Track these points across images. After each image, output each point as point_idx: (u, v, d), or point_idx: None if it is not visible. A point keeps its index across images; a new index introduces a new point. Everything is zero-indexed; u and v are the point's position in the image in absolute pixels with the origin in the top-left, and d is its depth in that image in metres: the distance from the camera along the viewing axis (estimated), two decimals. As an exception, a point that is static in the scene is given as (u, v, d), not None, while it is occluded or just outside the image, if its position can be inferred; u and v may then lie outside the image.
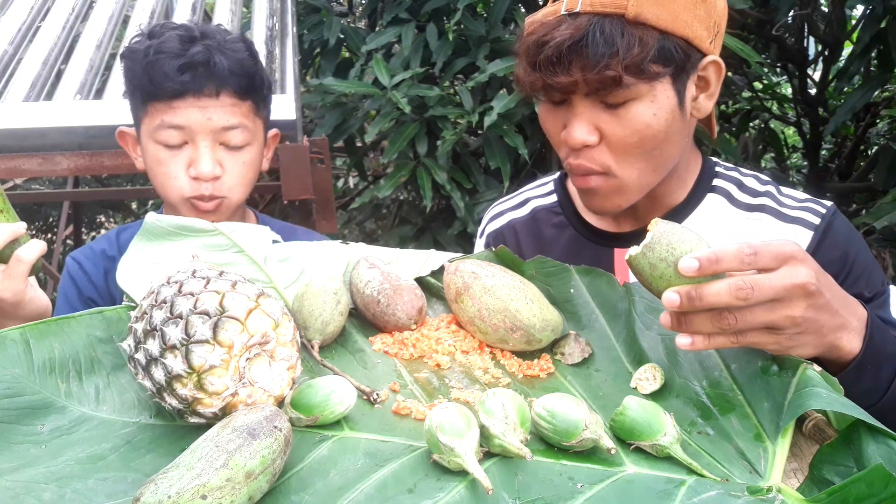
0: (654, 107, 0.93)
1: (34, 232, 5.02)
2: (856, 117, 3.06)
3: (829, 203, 1.05)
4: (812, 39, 3.12)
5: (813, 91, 3.24)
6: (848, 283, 0.97)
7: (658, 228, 0.71)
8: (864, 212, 2.91)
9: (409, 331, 0.86)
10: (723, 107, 3.24)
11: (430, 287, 0.95)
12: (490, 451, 0.65)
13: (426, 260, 0.97)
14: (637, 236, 1.06)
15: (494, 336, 0.84)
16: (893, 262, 2.45)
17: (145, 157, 1.21)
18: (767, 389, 0.73)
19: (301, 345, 0.78)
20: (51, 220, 5.05)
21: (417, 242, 2.78)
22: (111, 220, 5.36)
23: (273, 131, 1.31)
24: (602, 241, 1.11)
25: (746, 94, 3.27)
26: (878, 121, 3.24)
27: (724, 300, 0.68)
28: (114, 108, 1.73)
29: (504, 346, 0.85)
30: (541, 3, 2.67)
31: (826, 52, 3.00)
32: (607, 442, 0.65)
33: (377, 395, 0.74)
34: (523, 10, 2.62)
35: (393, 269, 0.90)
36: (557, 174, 1.22)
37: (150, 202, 4.15)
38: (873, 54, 2.56)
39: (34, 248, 1.02)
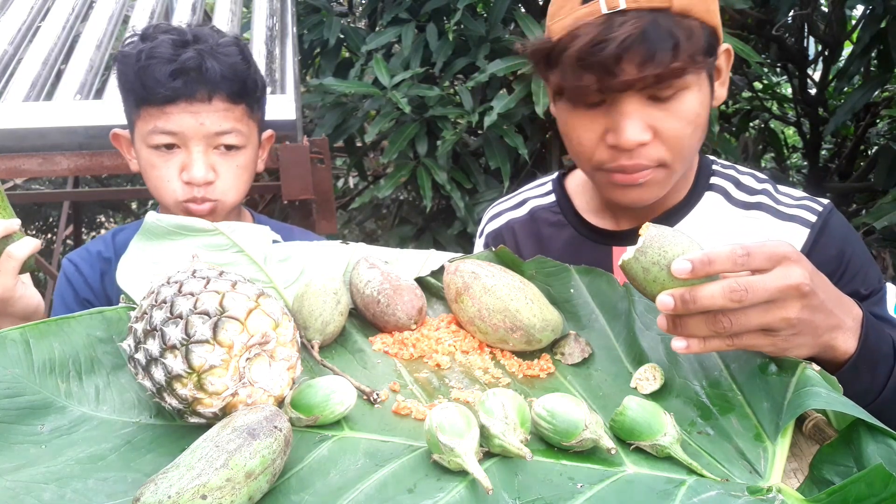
0: (701, 96, 0.95)
1: (34, 232, 5.02)
2: (856, 117, 3.06)
3: (825, 201, 1.05)
4: (812, 39, 3.12)
5: (813, 91, 3.24)
6: (844, 281, 0.98)
7: (649, 232, 0.71)
8: (864, 212, 2.91)
9: (409, 331, 0.86)
10: (723, 107, 3.24)
11: (430, 287, 0.95)
12: (490, 451, 0.65)
13: (426, 260, 0.97)
14: (635, 234, 1.06)
15: (494, 336, 0.84)
16: (893, 261, 2.45)
17: (139, 160, 1.21)
18: (767, 389, 0.73)
19: (301, 345, 0.78)
20: (51, 220, 5.05)
21: (417, 242, 2.78)
22: (111, 220, 5.36)
23: (268, 132, 1.31)
24: (601, 240, 1.11)
25: (746, 94, 3.27)
26: (878, 121, 3.24)
27: (718, 302, 0.67)
28: (114, 108, 1.72)
29: (504, 346, 0.85)
30: (541, 3, 2.67)
31: (826, 52, 3.00)
32: (607, 442, 0.65)
33: (377, 395, 0.74)
34: (523, 9, 2.62)
35: (393, 269, 0.90)
36: (556, 174, 1.23)
37: (150, 202, 4.15)
38: (873, 54, 2.57)
39: (26, 246, 1.02)
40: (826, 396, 0.67)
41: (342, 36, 2.80)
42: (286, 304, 0.85)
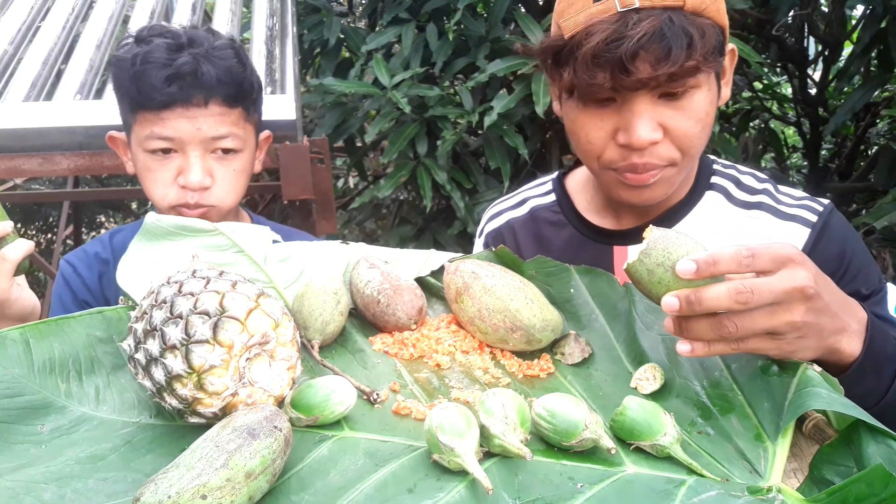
0: (710, 95, 0.95)
1: (34, 232, 5.03)
2: (856, 117, 3.06)
3: (825, 201, 1.05)
4: (812, 39, 3.12)
5: (813, 91, 3.24)
6: (845, 281, 0.98)
7: (654, 235, 0.71)
8: (864, 212, 2.91)
9: (409, 331, 0.86)
10: (723, 107, 3.24)
11: (430, 287, 0.95)
12: (490, 451, 0.65)
13: (426, 260, 0.97)
14: (637, 233, 1.06)
15: (494, 336, 0.84)
16: (893, 261, 2.45)
17: (135, 164, 1.21)
18: (767, 389, 0.73)
19: (301, 345, 0.78)
20: (51, 220, 5.06)
21: (417, 242, 2.78)
22: (111, 220, 5.36)
23: (265, 133, 1.30)
24: (601, 239, 1.11)
25: (746, 94, 3.27)
26: (878, 121, 3.24)
27: (724, 304, 0.67)
28: (114, 108, 1.72)
29: (504, 346, 0.85)
30: (541, 2, 2.67)
31: (826, 52, 3.00)
32: (607, 442, 0.65)
33: (377, 395, 0.74)
34: (523, 9, 2.62)
35: (393, 269, 0.90)
36: (556, 174, 1.23)
37: (150, 202, 4.14)
38: (873, 54, 2.57)
39: (20, 248, 1.02)
40: (827, 397, 0.67)
41: (342, 36, 2.80)
42: (286, 304, 0.85)
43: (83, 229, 4.61)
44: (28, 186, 4.34)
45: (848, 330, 0.75)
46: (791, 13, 2.71)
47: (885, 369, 0.79)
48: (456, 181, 2.51)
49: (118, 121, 1.26)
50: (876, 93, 2.67)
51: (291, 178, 1.76)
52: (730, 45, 0.98)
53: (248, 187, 1.26)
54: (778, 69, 3.37)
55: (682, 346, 0.71)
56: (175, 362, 0.65)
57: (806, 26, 2.97)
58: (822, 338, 0.73)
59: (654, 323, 0.83)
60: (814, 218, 1.02)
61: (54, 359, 0.73)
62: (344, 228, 3.69)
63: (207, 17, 2.68)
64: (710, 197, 1.08)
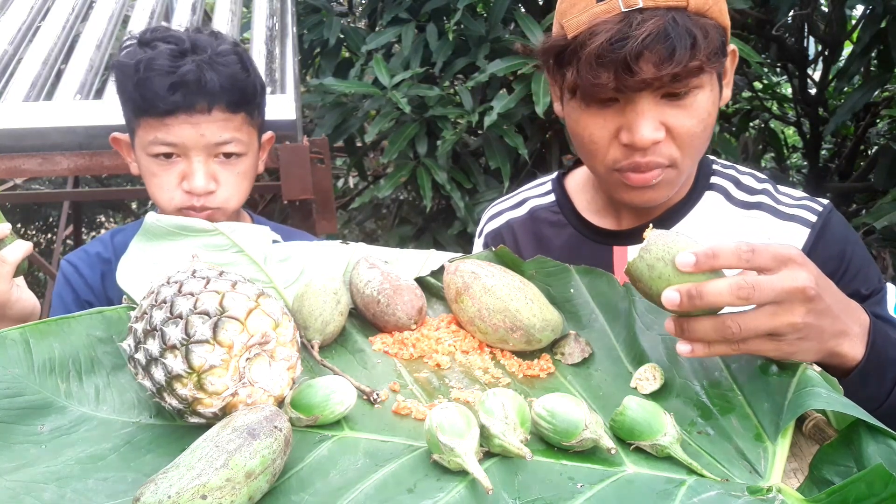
0: (712, 95, 0.95)
1: (34, 232, 5.03)
2: (856, 117, 3.06)
3: (825, 201, 1.05)
4: (812, 39, 3.12)
5: (813, 91, 3.23)
6: (845, 281, 0.98)
7: (654, 233, 0.71)
8: (864, 212, 2.91)
9: (409, 331, 0.86)
10: (723, 107, 3.23)
11: (430, 287, 0.95)
12: (490, 451, 0.65)
13: (426, 260, 0.97)
14: (636, 233, 1.06)
15: (494, 336, 0.84)
16: (893, 261, 2.45)
17: (139, 166, 1.22)
18: (767, 389, 0.73)
19: (301, 345, 0.78)
20: (51, 220, 5.06)
21: (417, 242, 2.78)
22: (111, 220, 5.36)
23: (268, 134, 1.31)
24: (601, 240, 1.11)
25: (746, 94, 3.27)
26: (878, 121, 3.24)
27: (725, 299, 0.67)
28: (114, 108, 1.72)
29: (504, 346, 0.85)
30: (541, 2, 2.67)
31: (826, 52, 3.00)
32: (607, 442, 0.65)
33: (377, 395, 0.74)
34: (523, 9, 2.62)
35: (393, 269, 0.90)
36: (555, 174, 1.23)
37: (150, 202, 4.14)
38: (873, 54, 2.57)
39: (18, 249, 1.02)
40: (826, 396, 0.67)
41: (342, 36, 2.80)
42: (286, 304, 0.85)
43: (83, 229, 4.61)
44: (28, 186, 4.34)
45: (849, 333, 0.75)
46: (791, 13, 2.71)
47: (887, 373, 0.79)
48: (456, 181, 2.51)
49: (118, 121, 1.26)
50: (876, 93, 2.67)
51: (291, 178, 1.76)
52: (731, 46, 0.99)
53: (248, 187, 1.26)
54: (778, 69, 3.37)
55: (683, 347, 0.71)
56: (175, 362, 0.65)
57: (806, 26, 2.97)
58: (822, 340, 0.73)
59: (654, 323, 0.83)
60: (813, 218, 1.02)
61: (54, 359, 0.73)
62: (344, 228, 3.69)
63: (207, 17, 2.68)
64: (709, 197, 1.08)
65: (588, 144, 0.99)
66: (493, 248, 0.93)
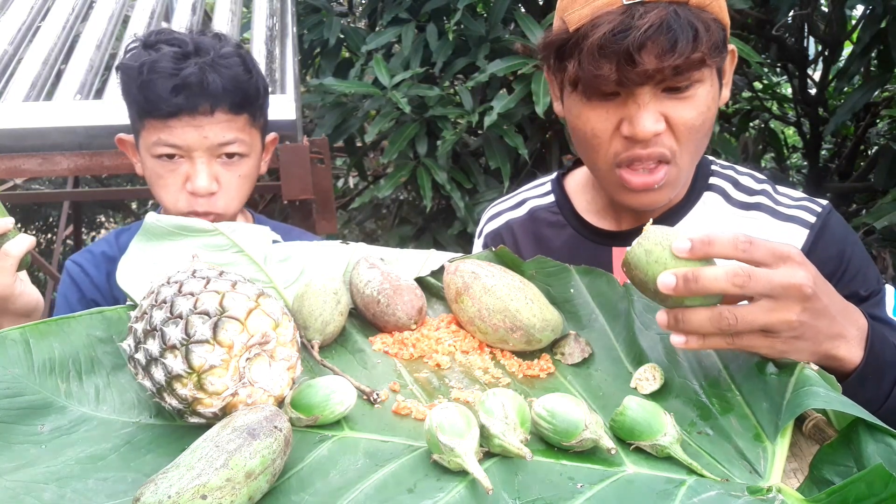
0: (712, 90, 0.96)
1: (34, 232, 5.02)
2: (856, 117, 3.06)
3: (824, 202, 1.05)
4: (812, 39, 3.12)
5: (813, 91, 3.24)
6: (844, 282, 0.98)
7: (653, 226, 0.72)
8: (864, 212, 2.91)
9: (409, 331, 0.86)
10: (723, 107, 3.23)
11: (430, 287, 0.95)
12: (490, 451, 0.65)
13: (426, 260, 0.97)
14: (636, 234, 1.06)
15: (494, 336, 0.84)
16: (893, 262, 2.45)
17: (144, 167, 1.23)
18: (765, 389, 0.73)
19: (301, 345, 0.78)
20: (51, 220, 5.06)
21: (417, 242, 2.78)
22: (111, 220, 5.36)
23: (271, 135, 1.32)
24: (600, 240, 1.11)
25: (746, 94, 3.27)
26: (878, 121, 3.24)
27: (721, 284, 0.67)
28: (114, 108, 1.73)
29: (504, 346, 0.85)
30: (541, 2, 2.67)
31: (826, 52, 3.00)
32: (607, 442, 0.65)
33: (377, 395, 0.74)
34: (523, 9, 2.62)
35: (393, 269, 0.90)
36: (554, 175, 1.23)
37: (150, 202, 4.15)
38: (873, 54, 2.57)
39: (22, 243, 1.03)
40: (825, 396, 0.67)
41: (342, 36, 2.80)
42: (286, 304, 0.85)
43: (83, 229, 4.61)
44: (28, 186, 4.34)
45: (846, 336, 0.75)
46: (791, 13, 2.72)
47: (885, 376, 0.79)
48: (456, 181, 2.51)
49: (118, 121, 1.27)
50: (876, 93, 2.68)
51: (291, 178, 1.76)
52: (730, 46, 0.99)
53: (248, 188, 1.27)
54: (778, 69, 3.37)
55: (677, 338, 0.71)
56: (175, 362, 0.65)
57: (806, 26, 2.97)
58: (818, 341, 0.72)
59: (654, 322, 0.82)
60: (812, 219, 1.02)
61: (54, 359, 0.73)
62: (344, 228, 3.69)
63: (207, 17, 2.68)
64: (708, 198, 1.08)
65: (590, 138, 0.99)
66: (493, 249, 0.93)
